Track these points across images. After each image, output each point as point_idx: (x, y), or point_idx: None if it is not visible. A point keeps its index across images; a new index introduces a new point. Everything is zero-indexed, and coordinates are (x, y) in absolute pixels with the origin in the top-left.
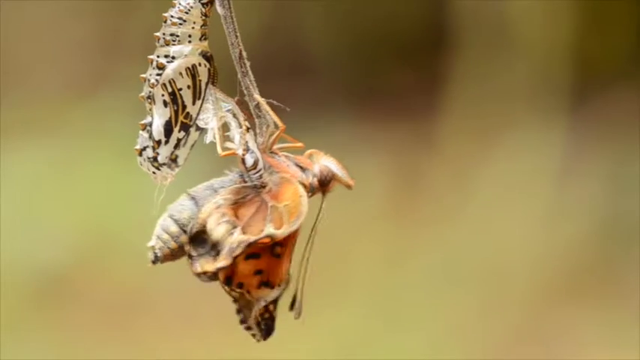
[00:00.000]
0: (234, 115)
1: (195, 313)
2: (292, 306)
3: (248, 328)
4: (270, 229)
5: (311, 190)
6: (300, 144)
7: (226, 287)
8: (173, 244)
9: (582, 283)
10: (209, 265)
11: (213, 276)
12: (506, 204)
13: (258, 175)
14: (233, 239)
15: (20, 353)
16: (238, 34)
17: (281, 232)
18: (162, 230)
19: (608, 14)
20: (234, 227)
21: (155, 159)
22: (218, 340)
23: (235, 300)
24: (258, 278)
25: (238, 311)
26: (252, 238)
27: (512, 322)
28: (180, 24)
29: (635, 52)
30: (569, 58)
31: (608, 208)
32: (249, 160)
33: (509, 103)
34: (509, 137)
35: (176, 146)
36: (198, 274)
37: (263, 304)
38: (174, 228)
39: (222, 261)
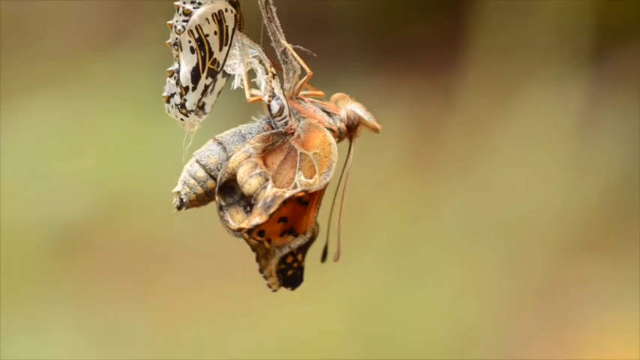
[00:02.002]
0: (261, 62)
1: (217, 267)
2: (324, 257)
3: (265, 278)
4: (301, 178)
5: (339, 135)
6: (320, 92)
7: (245, 234)
8: (199, 190)
9: (602, 237)
10: (244, 220)
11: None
12: (525, 159)
13: (283, 121)
14: (267, 193)
15: (41, 308)
16: None
17: (316, 185)
18: (190, 175)
19: None
20: (267, 180)
21: (183, 105)
22: (241, 291)
23: (253, 248)
24: (281, 226)
25: (257, 259)
26: (287, 194)
27: (532, 276)
28: None
29: None
30: (590, 14)
31: (628, 163)
32: (275, 107)
33: (529, 58)
34: (528, 92)
35: (203, 93)
36: (233, 230)
37: (286, 251)
38: (201, 173)
39: (257, 217)
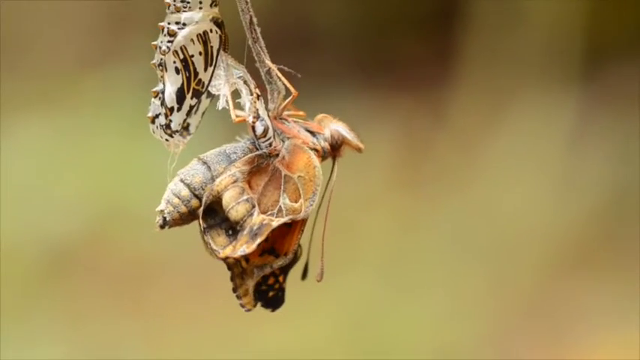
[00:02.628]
0: (245, 82)
1: (206, 285)
2: (304, 275)
3: (238, 297)
4: (286, 201)
5: (323, 154)
6: (301, 112)
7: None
8: (183, 209)
9: (592, 254)
10: (226, 244)
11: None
12: (515, 176)
13: (268, 142)
14: (254, 220)
15: (31, 325)
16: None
17: (302, 214)
18: (173, 194)
19: None
20: (253, 206)
21: (168, 126)
22: (229, 309)
23: (229, 267)
24: (261, 245)
25: (232, 278)
26: (274, 223)
27: (522, 293)
28: None
29: None
30: (581, 30)
31: (618, 180)
32: (259, 128)
33: (518, 74)
34: (517, 109)
35: (188, 113)
36: (221, 259)
37: (267, 271)
38: (185, 192)
39: (244, 245)
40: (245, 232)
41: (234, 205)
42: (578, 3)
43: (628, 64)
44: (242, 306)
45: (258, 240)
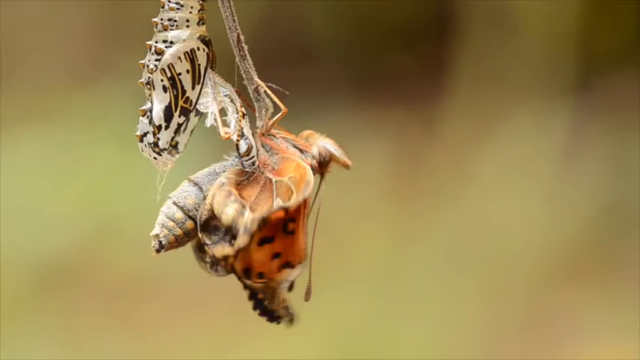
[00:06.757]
0: (232, 101)
1: (199, 301)
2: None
3: (277, 318)
4: (279, 203)
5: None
6: (292, 135)
7: (248, 281)
8: (178, 231)
9: (584, 266)
10: (227, 249)
11: (230, 268)
12: (507, 188)
13: (251, 161)
14: (246, 219)
15: (23, 342)
16: (236, 17)
17: (293, 202)
18: (167, 218)
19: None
20: (243, 206)
21: (156, 144)
22: (221, 326)
23: (260, 292)
24: (277, 262)
25: (255, 304)
26: (266, 213)
27: (516, 305)
28: (178, 9)
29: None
30: (572, 43)
31: (610, 192)
32: (243, 147)
33: (510, 87)
34: (510, 122)
35: (176, 131)
36: (219, 260)
37: (286, 285)
38: (179, 214)
39: (240, 240)
40: (241, 232)
41: (223, 208)
42: (571, 16)
43: (620, 76)
44: (282, 321)
45: (252, 229)
